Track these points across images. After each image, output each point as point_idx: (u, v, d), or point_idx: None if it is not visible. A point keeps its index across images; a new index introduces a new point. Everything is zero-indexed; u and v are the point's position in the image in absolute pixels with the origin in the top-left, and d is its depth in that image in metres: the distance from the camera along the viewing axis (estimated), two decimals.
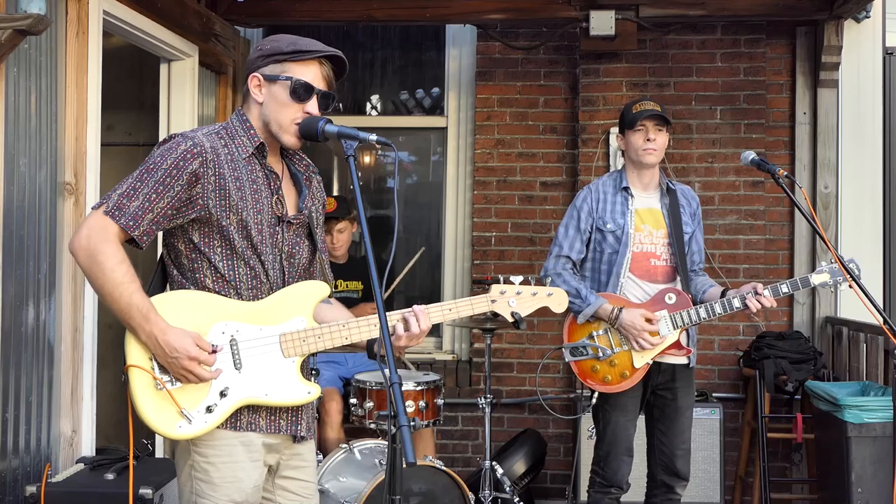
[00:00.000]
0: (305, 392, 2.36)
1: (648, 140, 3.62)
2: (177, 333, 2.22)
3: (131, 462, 2.67)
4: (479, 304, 2.49)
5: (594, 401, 3.63)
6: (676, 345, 3.59)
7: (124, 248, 2.24)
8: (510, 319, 2.50)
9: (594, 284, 3.70)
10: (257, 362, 2.31)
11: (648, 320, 3.52)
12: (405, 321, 2.38)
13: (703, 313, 3.54)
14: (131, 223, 2.21)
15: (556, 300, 2.55)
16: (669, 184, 3.75)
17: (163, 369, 2.25)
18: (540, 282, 2.55)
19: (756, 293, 3.46)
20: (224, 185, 2.28)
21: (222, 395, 2.27)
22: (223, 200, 2.28)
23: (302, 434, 2.43)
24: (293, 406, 2.38)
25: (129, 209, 2.21)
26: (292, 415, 2.40)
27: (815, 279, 3.50)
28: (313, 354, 2.44)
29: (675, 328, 3.57)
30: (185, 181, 2.23)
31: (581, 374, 3.63)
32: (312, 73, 2.35)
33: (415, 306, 2.41)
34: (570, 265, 3.70)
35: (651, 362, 3.59)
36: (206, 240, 2.31)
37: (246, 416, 2.32)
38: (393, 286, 5.12)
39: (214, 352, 2.25)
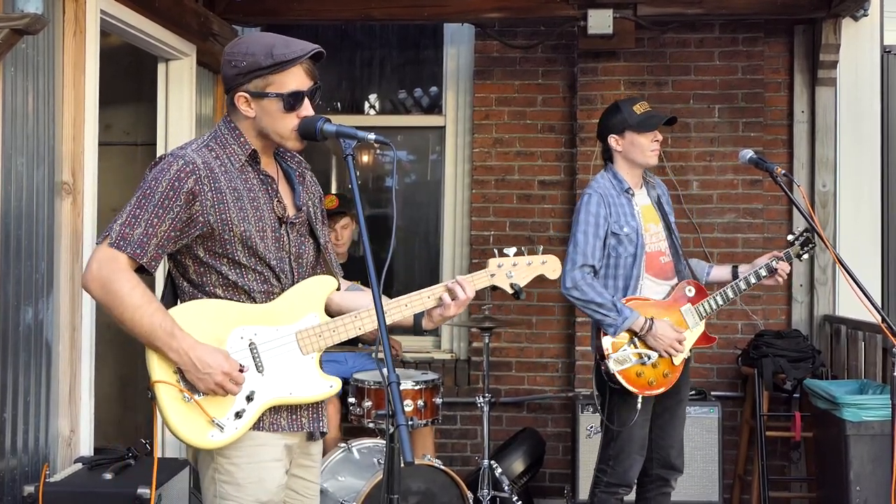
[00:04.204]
0: (328, 386, 2.39)
1: (656, 141, 3.65)
2: (208, 349, 2.23)
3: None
4: (480, 280, 2.52)
5: (639, 406, 3.55)
6: (704, 336, 3.63)
7: None
8: (510, 291, 2.54)
9: (610, 290, 3.61)
10: (278, 363, 2.34)
11: (677, 330, 3.53)
12: (451, 291, 2.43)
13: (720, 300, 3.61)
14: (138, 251, 2.21)
15: (551, 266, 2.60)
16: (647, 176, 3.77)
17: (186, 382, 2.24)
18: (533, 251, 2.58)
19: (778, 259, 3.60)
20: (222, 199, 2.28)
21: (249, 399, 2.29)
22: (223, 215, 2.28)
23: (324, 430, 2.46)
24: (316, 402, 2.41)
25: (133, 237, 2.21)
26: (314, 412, 2.43)
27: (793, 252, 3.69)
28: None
29: (700, 319, 3.59)
30: (184, 201, 2.23)
31: (627, 381, 3.53)
32: (298, 78, 2.32)
33: (457, 276, 2.49)
34: (592, 273, 3.59)
35: (688, 356, 3.60)
36: (211, 254, 2.31)
37: (268, 418, 2.34)
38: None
39: (242, 370, 2.27)
